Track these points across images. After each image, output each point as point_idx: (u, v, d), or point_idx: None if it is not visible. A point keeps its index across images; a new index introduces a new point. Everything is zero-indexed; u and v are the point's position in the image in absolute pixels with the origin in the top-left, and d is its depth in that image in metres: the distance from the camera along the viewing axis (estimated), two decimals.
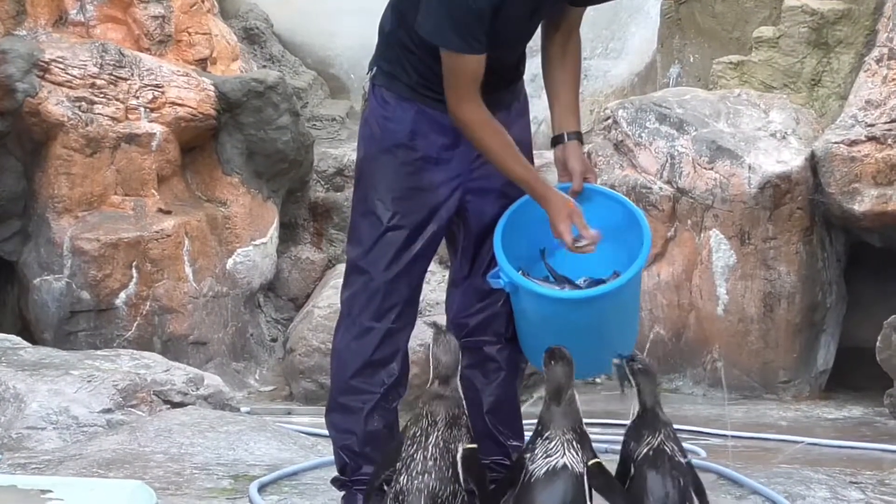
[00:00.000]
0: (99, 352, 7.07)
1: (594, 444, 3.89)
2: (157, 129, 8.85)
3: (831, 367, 8.44)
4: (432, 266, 4.45)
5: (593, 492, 3.78)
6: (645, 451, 3.87)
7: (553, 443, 3.78)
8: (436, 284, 7.01)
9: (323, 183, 9.92)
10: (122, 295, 8.61)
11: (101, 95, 8.73)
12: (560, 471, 3.74)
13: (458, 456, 3.83)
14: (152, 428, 5.67)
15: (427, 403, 3.89)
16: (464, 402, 3.93)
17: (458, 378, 3.95)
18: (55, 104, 8.58)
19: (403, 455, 3.84)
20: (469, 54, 3.94)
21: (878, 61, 8.42)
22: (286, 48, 11.07)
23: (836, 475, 5.03)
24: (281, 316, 9.56)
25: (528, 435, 4.02)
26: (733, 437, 6.63)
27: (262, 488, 4.72)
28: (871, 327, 7.67)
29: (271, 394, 8.82)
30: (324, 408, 4.35)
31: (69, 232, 8.58)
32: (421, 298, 4.33)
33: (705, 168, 8.32)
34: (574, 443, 3.78)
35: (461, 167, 4.18)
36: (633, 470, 3.88)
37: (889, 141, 8.07)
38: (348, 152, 9.65)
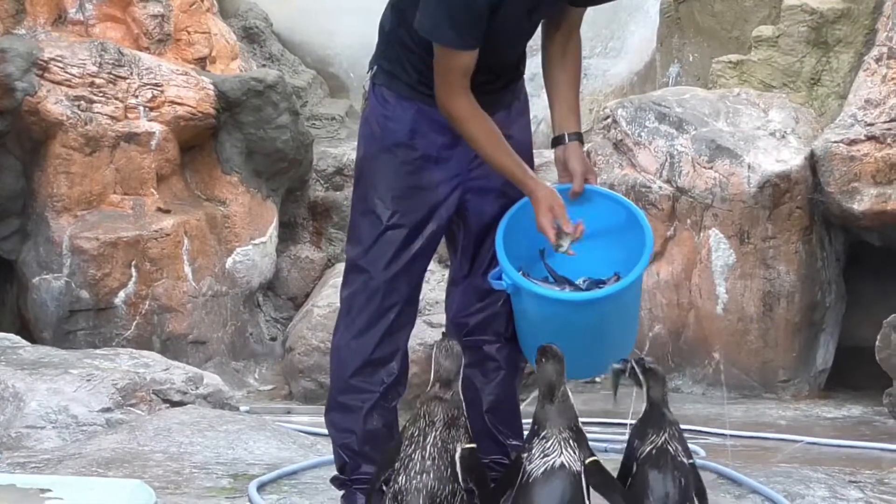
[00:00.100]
0: (98, 351, 7.06)
1: (594, 444, 3.89)
2: (157, 128, 8.84)
3: (830, 366, 8.44)
4: (432, 265, 4.44)
5: (591, 490, 3.78)
6: (648, 449, 3.87)
7: (550, 442, 3.77)
8: (435, 283, 7.00)
9: (322, 182, 9.91)
10: (122, 294, 8.60)
11: (101, 94, 8.73)
12: (557, 470, 3.73)
13: (457, 455, 3.82)
14: (151, 427, 5.66)
15: (425, 405, 3.88)
16: (463, 405, 3.91)
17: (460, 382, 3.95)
18: (54, 103, 8.58)
19: (402, 455, 3.83)
20: (463, 51, 3.94)
21: (878, 60, 8.42)
22: (285, 47, 11.07)
23: (836, 474, 5.03)
24: (280, 315, 9.55)
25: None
26: (732, 436, 6.62)
27: (261, 487, 4.71)
28: (871, 326, 7.67)
29: (271, 393, 8.81)
30: (323, 407, 4.35)
31: (68, 231, 8.57)
32: (420, 297, 4.33)
33: (705, 167, 8.31)
34: (571, 441, 3.77)
35: (461, 166, 4.17)
36: (635, 468, 3.88)
37: (888, 140, 8.07)
38: (348, 151, 9.64)
